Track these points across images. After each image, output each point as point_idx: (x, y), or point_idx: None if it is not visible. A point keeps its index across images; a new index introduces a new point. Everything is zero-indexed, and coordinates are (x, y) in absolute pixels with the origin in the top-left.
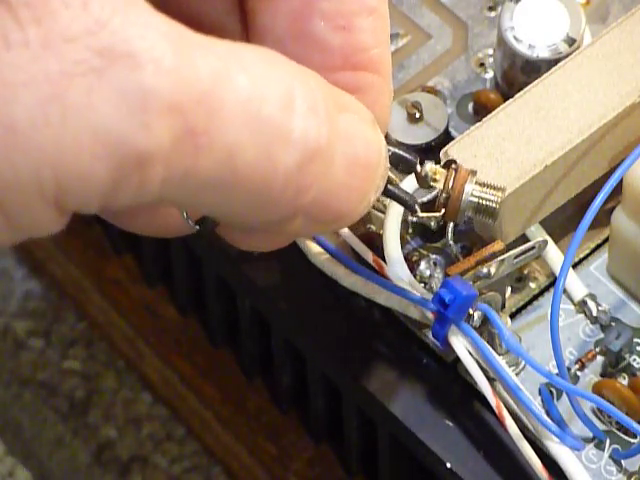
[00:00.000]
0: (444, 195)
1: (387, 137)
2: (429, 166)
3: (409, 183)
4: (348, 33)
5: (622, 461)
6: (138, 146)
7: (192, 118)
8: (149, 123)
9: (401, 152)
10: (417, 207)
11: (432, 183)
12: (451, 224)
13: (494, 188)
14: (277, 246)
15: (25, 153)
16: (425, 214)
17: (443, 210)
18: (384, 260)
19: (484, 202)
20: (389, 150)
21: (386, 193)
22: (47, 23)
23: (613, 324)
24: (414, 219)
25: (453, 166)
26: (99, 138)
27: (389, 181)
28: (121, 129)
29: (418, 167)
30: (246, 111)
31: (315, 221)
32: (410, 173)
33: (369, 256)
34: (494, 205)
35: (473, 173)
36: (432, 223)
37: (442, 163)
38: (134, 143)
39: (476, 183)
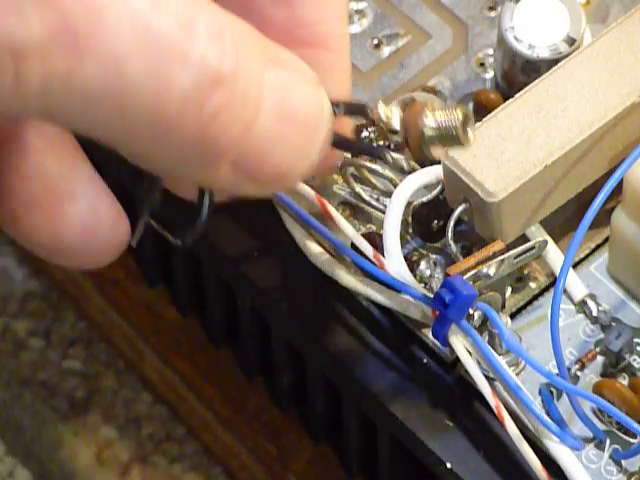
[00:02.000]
0: (402, 135)
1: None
2: (381, 108)
3: (410, 181)
4: (290, 8)
5: (622, 461)
6: (10, 31)
7: (72, 17)
8: (21, 10)
9: (350, 105)
10: (387, 155)
11: (388, 125)
12: (451, 223)
13: (449, 110)
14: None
15: None
16: (394, 156)
17: (410, 151)
18: (384, 260)
19: (443, 131)
20: (340, 106)
21: (354, 150)
22: None
23: (613, 324)
24: (385, 170)
25: (408, 103)
26: None
27: (351, 138)
28: None
29: (369, 112)
30: (134, 20)
31: (248, 175)
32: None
33: (370, 252)
34: (452, 130)
35: (427, 104)
36: (404, 165)
37: (403, 104)
38: (6, 27)
39: (431, 111)
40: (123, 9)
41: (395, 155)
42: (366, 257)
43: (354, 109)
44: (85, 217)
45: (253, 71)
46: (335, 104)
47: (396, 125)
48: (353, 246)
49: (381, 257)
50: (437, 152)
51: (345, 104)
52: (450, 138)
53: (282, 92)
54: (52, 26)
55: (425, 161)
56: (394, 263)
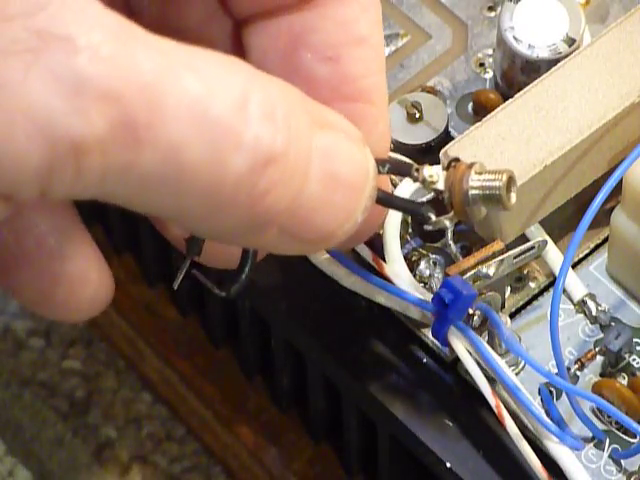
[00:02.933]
0: (447, 195)
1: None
2: (426, 170)
3: (405, 187)
4: (335, 64)
5: (622, 461)
6: (73, 130)
7: (132, 109)
8: (83, 109)
9: (396, 159)
10: (430, 215)
11: (432, 186)
12: (450, 230)
13: (493, 173)
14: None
15: None
16: (438, 219)
17: (452, 211)
18: (384, 260)
19: (486, 191)
20: (385, 166)
21: (396, 207)
22: None
23: (613, 324)
24: (430, 227)
25: (453, 164)
26: (33, 118)
27: (394, 196)
28: (55, 112)
29: (414, 172)
30: (193, 109)
31: (294, 237)
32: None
33: (369, 256)
34: (496, 191)
35: (471, 165)
36: (447, 224)
37: (446, 163)
38: (68, 127)
39: (475, 174)
40: (181, 96)
41: (438, 218)
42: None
43: (399, 168)
44: (74, 278)
45: (303, 140)
46: (381, 163)
47: (440, 186)
48: (353, 249)
49: (381, 261)
50: (480, 213)
51: (390, 162)
52: (493, 200)
53: (329, 156)
54: (113, 121)
55: (467, 222)
56: (395, 268)
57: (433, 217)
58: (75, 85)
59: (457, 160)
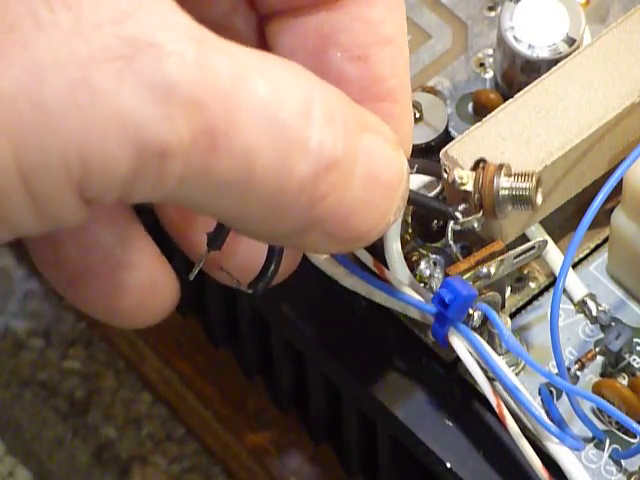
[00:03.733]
0: (477, 196)
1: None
2: (456, 172)
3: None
4: (364, 64)
5: (622, 461)
6: (160, 137)
7: (212, 116)
8: (171, 115)
9: (426, 164)
10: (457, 214)
11: (461, 188)
12: (451, 224)
13: (523, 175)
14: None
15: (55, 134)
16: (466, 219)
17: (481, 211)
18: (384, 261)
19: (517, 192)
20: (414, 166)
21: (424, 207)
22: (76, 9)
23: (613, 324)
24: (457, 227)
25: (481, 165)
26: (125, 125)
27: (423, 196)
28: (145, 118)
29: (444, 175)
30: (264, 115)
31: (333, 238)
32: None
33: (370, 260)
34: (527, 192)
35: (501, 167)
36: (475, 225)
37: (472, 165)
38: (157, 133)
39: (505, 175)
40: (254, 102)
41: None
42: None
43: (429, 169)
44: (142, 287)
45: (353, 144)
46: (411, 164)
47: (469, 188)
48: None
49: (381, 265)
50: (507, 212)
51: (420, 163)
52: (523, 200)
53: (371, 158)
54: (197, 127)
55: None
56: (395, 269)
57: (460, 217)
58: (165, 92)
59: (484, 161)
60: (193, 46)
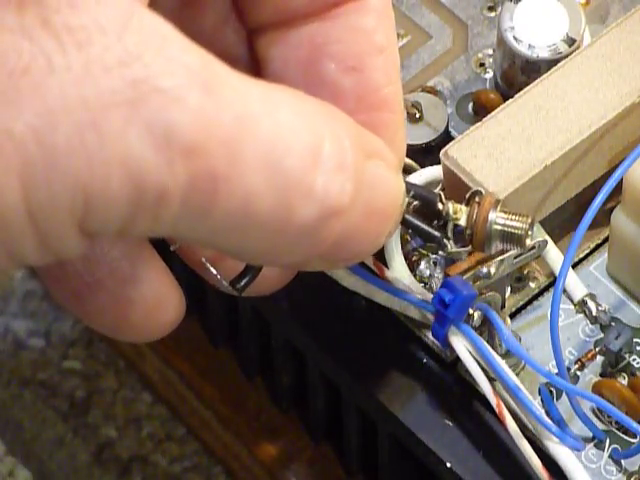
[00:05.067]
0: (468, 232)
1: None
2: (450, 205)
3: (410, 181)
4: (359, 74)
5: (622, 461)
6: (159, 181)
7: (213, 162)
8: (171, 160)
9: (422, 193)
10: (447, 242)
11: (455, 222)
12: (450, 223)
13: (519, 215)
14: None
15: (62, 175)
16: (454, 250)
17: (470, 245)
18: (384, 261)
19: (510, 230)
20: (410, 192)
21: (416, 231)
22: (86, 48)
23: (613, 324)
24: (444, 255)
25: (476, 199)
26: (127, 168)
27: (417, 219)
28: (147, 163)
29: (440, 205)
30: (268, 161)
31: (327, 260)
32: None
33: (370, 260)
34: (521, 232)
35: (497, 202)
36: (462, 257)
37: (467, 195)
38: (156, 178)
39: (500, 211)
40: (258, 148)
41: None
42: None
43: (423, 196)
44: (148, 301)
45: (360, 179)
46: (408, 189)
47: (462, 222)
48: None
49: (381, 265)
50: (496, 248)
51: (416, 189)
52: (514, 239)
53: (373, 187)
54: (196, 173)
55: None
56: (395, 270)
57: (449, 247)
58: (166, 138)
59: (480, 194)
60: (198, 89)
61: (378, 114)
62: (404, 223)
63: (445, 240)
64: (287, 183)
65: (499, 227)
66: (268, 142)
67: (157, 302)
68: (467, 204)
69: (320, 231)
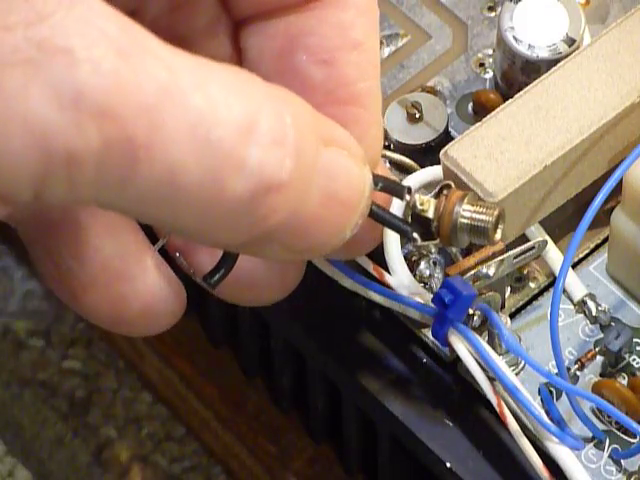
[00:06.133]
0: (435, 224)
1: (386, 137)
2: (417, 196)
3: (410, 181)
4: (330, 67)
5: (622, 461)
6: (67, 143)
7: (131, 129)
8: (80, 123)
9: (391, 180)
10: (416, 236)
11: (421, 213)
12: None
13: (486, 208)
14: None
15: None
16: (423, 243)
17: (438, 238)
18: (384, 261)
19: (476, 223)
20: (378, 183)
21: (385, 223)
22: None
23: (613, 324)
24: (412, 248)
25: (444, 192)
26: (30, 128)
27: (386, 211)
28: (52, 124)
29: (407, 197)
30: (194, 132)
31: (289, 249)
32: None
33: (369, 265)
34: (487, 225)
35: (463, 196)
36: (432, 249)
37: (437, 188)
38: (63, 139)
39: (467, 204)
40: (183, 119)
41: (424, 242)
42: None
43: (392, 188)
44: (144, 296)
45: (309, 163)
46: (375, 180)
47: (430, 215)
48: None
49: (380, 269)
50: (465, 242)
51: (385, 181)
52: (480, 232)
53: (331, 176)
54: (110, 138)
55: (451, 247)
56: (395, 270)
57: (419, 240)
58: (73, 99)
59: (448, 187)
60: (114, 54)
61: (348, 108)
62: (372, 215)
63: (415, 234)
64: (216, 155)
65: (465, 220)
66: (195, 113)
67: (153, 296)
68: (436, 197)
69: (257, 207)
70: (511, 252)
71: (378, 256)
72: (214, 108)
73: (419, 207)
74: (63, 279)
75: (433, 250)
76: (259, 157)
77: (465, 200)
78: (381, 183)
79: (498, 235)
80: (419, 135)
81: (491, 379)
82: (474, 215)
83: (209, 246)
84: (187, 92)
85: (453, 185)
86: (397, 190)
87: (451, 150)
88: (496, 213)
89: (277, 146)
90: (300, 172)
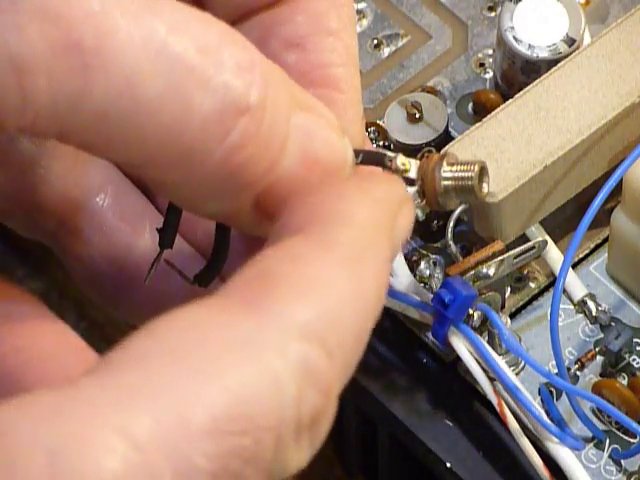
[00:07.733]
0: (419, 184)
1: (386, 137)
2: (399, 159)
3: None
4: (303, 51)
5: (622, 461)
6: (9, 47)
7: (75, 32)
8: (20, 25)
9: (369, 150)
10: (394, 154)
11: (405, 175)
12: (451, 223)
13: (466, 164)
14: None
15: None
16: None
17: (424, 200)
18: None
19: (459, 182)
20: (359, 156)
21: (367, 161)
22: None
23: (613, 324)
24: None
25: (426, 154)
26: None
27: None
28: None
29: (388, 162)
30: (148, 42)
31: (268, 215)
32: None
33: None
34: (469, 182)
35: (443, 156)
36: (419, 213)
37: (419, 155)
38: (4, 43)
39: (447, 164)
40: (134, 27)
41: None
42: None
43: (373, 158)
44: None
45: (281, 109)
46: (355, 153)
47: (412, 175)
48: None
49: None
50: (452, 203)
51: (364, 153)
52: (466, 190)
53: (308, 136)
54: (55, 42)
55: (441, 210)
56: (395, 269)
57: (400, 157)
58: (12, 0)
59: (431, 151)
60: None
61: (323, 90)
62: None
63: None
64: (176, 67)
65: (448, 181)
66: (147, 26)
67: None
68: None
69: (227, 131)
70: (511, 252)
71: None
72: (171, 27)
73: (401, 168)
74: (98, 283)
75: (420, 213)
76: (224, 77)
77: (445, 160)
78: (362, 155)
79: (485, 189)
80: (419, 135)
81: (491, 379)
82: (456, 174)
83: (185, 200)
84: (138, 9)
85: (434, 151)
86: (379, 158)
87: (451, 150)
88: (478, 167)
89: (244, 71)
90: (272, 108)
